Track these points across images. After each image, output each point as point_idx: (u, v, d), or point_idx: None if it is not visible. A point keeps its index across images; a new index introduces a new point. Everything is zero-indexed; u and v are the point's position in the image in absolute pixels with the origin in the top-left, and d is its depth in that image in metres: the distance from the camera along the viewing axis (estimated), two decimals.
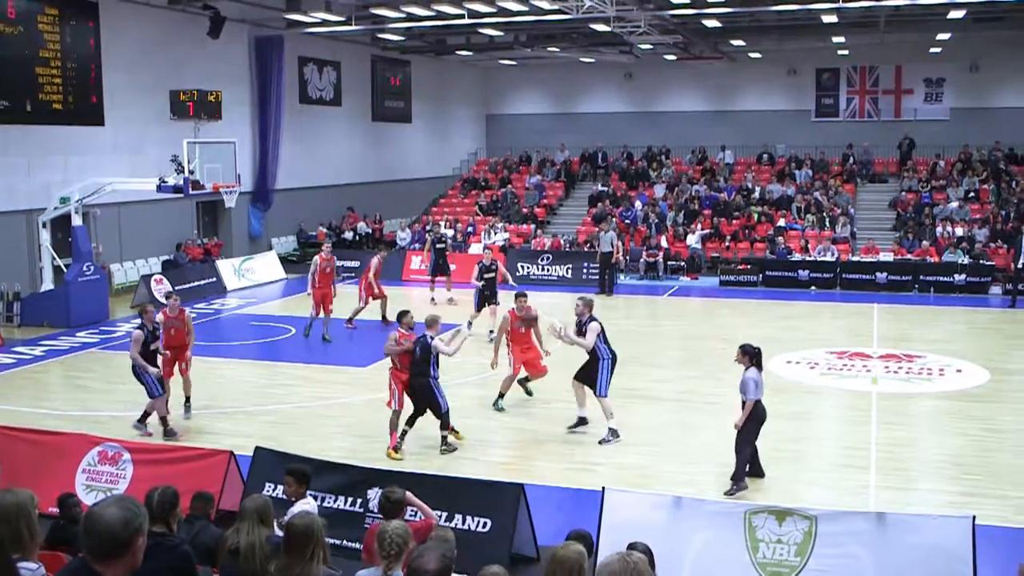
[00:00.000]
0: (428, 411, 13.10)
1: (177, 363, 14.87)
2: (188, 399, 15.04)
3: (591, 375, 13.61)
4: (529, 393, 15.66)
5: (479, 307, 20.55)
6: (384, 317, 21.96)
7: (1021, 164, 35.13)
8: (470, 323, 20.35)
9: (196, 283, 26.77)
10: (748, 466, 11.77)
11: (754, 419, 11.57)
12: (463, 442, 13.51)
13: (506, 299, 18.02)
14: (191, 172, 22.31)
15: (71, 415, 14.97)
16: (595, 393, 13.57)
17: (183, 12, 27.69)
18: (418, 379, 12.92)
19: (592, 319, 13.63)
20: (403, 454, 12.93)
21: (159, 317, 14.49)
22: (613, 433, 13.56)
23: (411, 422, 13.20)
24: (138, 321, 14.41)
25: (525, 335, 15.22)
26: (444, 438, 13.21)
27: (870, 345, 20.04)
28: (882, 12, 29.01)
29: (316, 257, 20.95)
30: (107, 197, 23.58)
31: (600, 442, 13.51)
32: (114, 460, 10.95)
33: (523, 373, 15.40)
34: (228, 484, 10.38)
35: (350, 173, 36.93)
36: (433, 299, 25.12)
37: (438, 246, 26.26)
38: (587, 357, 13.64)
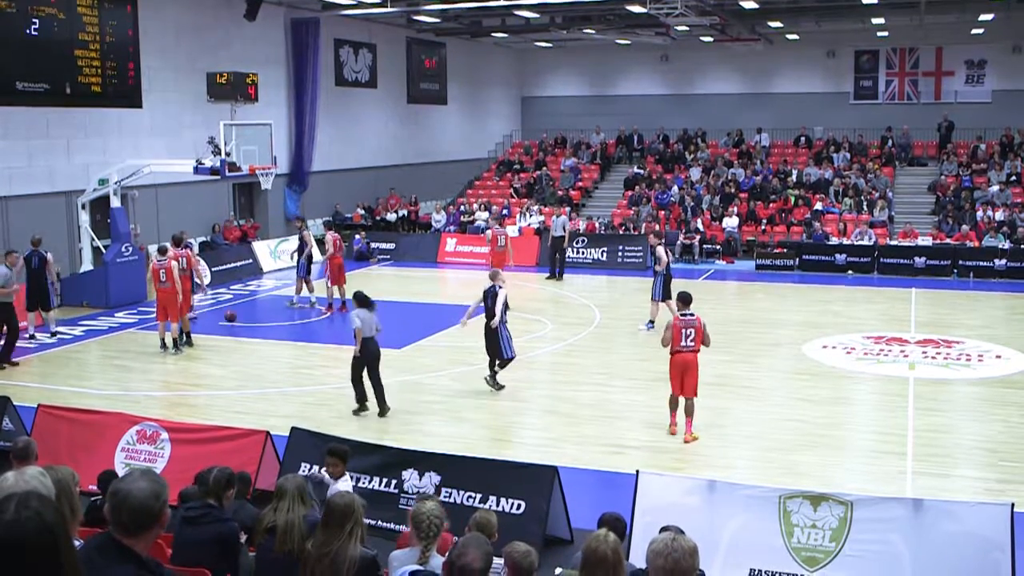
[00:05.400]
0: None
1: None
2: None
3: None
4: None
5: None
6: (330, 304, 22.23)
7: None
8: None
9: (232, 264, 26.95)
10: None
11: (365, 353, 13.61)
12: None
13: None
14: (228, 154, 22.38)
15: (110, 394, 15.14)
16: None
17: None
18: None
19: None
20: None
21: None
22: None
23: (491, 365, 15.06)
24: None
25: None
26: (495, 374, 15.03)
27: (908, 330, 19.85)
28: None
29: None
30: (145, 179, 23.73)
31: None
32: (152, 439, 11.08)
33: None
34: (264, 464, 10.48)
35: (385, 155, 36.98)
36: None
37: (34, 267, 18.26)
38: None
